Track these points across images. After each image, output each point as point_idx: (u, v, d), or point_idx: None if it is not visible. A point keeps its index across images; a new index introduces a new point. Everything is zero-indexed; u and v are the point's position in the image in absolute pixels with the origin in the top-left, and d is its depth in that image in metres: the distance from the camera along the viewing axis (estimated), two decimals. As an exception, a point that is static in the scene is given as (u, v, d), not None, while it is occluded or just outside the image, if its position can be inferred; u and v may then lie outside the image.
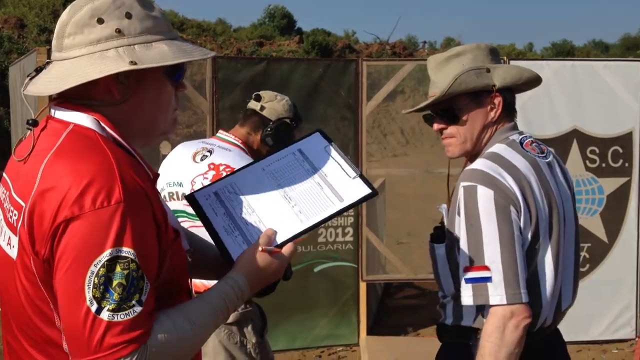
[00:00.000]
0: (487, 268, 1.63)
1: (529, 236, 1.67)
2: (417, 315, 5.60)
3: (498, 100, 1.79)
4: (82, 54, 1.22)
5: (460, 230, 1.69)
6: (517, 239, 1.64)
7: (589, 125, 4.58)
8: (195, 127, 17.14)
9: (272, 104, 2.52)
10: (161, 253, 1.20)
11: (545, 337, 1.79)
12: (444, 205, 1.86)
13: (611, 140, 4.59)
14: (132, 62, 1.19)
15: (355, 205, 1.35)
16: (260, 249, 1.32)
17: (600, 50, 27.78)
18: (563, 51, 26.20)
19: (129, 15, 1.23)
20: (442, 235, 1.82)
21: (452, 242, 1.75)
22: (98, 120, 1.22)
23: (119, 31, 1.22)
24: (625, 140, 4.60)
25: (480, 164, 1.73)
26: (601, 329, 4.72)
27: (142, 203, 1.16)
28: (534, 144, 1.82)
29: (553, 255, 1.71)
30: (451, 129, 1.83)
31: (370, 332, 4.97)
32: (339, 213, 1.35)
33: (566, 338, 1.91)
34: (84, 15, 1.22)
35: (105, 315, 1.10)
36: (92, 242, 1.11)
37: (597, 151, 4.57)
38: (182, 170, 2.43)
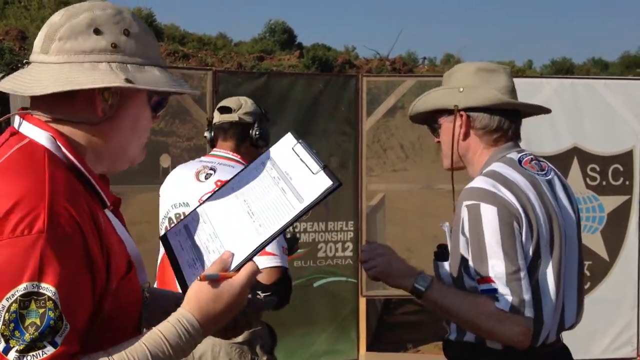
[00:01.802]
0: (492, 280, 1.65)
1: (530, 252, 1.68)
2: (417, 332, 5.58)
3: (462, 119, 1.85)
4: (71, 61, 1.16)
5: (467, 248, 1.70)
6: (521, 256, 1.65)
7: (590, 143, 4.59)
8: (195, 141, 17.17)
9: (244, 109, 2.52)
10: (98, 290, 1.09)
11: (550, 353, 1.78)
12: (447, 224, 1.86)
13: (612, 158, 4.60)
14: (128, 80, 1.15)
15: (318, 202, 1.24)
16: (198, 278, 1.17)
17: (599, 68, 27.89)
18: (562, 69, 26.31)
19: (127, 33, 1.19)
20: (446, 253, 1.83)
21: (457, 260, 1.75)
22: (55, 139, 1.14)
23: (114, 46, 1.18)
24: (626, 158, 4.61)
25: (479, 182, 1.74)
26: (602, 348, 4.70)
27: (70, 235, 1.05)
28: (534, 161, 1.83)
29: (554, 272, 1.71)
30: (440, 142, 1.94)
31: (370, 348, 4.95)
32: (299, 215, 1.24)
33: (567, 357, 1.91)
34: (81, 22, 1.17)
35: (12, 356, 1.00)
36: (7, 273, 1.01)
37: (598, 169, 4.57)
38: (186, 191, 2.42)
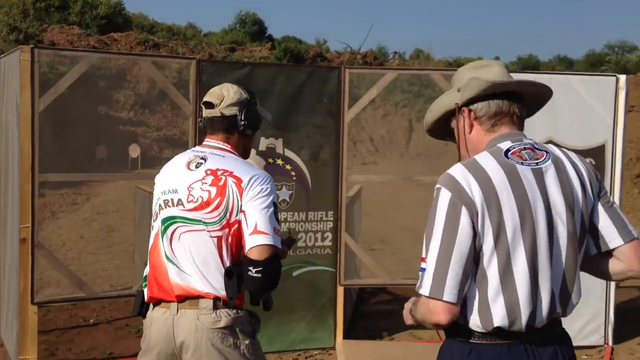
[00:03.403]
0: (425, 260, 1.78)
1: (491, 237, 1.75)
2: (391, 320, 5.65)
3: (465, 114, 1.93)
4: None
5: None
6: (459, 242, 1.74)
7: (563, 136, 4.72)
8: (165, 131, 17.05)
9: (226, 101, 2.49)
10: None
11: (546, 339, 1.83)
12: None
13: (584, 153, 4.73)
14: None
15: None
16: None
17: (564, 66, 28.39)
18: (528, 66, 26.71)
19: None
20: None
21: None
22: None
23: None
24: (598, 152, 4.75)
25: (454, 168, 1.84)
26: (571, 335, 4.83)
27: None
28: (526, 151, 1.86)
29: (527, 258, 1.77)
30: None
31: (346, 336, 5.03)
32: None
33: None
34: None
35: None
36: None
37: (571, 162, 4.70)
38: (176, 179, 2.47)
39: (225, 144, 2.53)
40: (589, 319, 4.88)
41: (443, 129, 2.05)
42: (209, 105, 2.52)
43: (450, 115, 1.99)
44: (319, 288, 4.92)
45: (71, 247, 8.24)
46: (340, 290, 4.92)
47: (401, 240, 8.81)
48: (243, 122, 2.51)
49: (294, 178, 4.83)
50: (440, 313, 1.77)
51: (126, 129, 16.28)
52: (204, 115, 2.57)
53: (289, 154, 4.84)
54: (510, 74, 2.00)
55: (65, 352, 4.85)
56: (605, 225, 1.90)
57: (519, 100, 1.93)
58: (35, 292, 4.22)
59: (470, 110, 1.93)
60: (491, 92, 1.90)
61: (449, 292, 1.75)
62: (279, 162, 4.80)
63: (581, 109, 4.81)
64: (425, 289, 1.78)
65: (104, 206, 11.01)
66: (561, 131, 4.71)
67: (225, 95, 2.51)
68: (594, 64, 25.71)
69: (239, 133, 2.53)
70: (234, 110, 2.50)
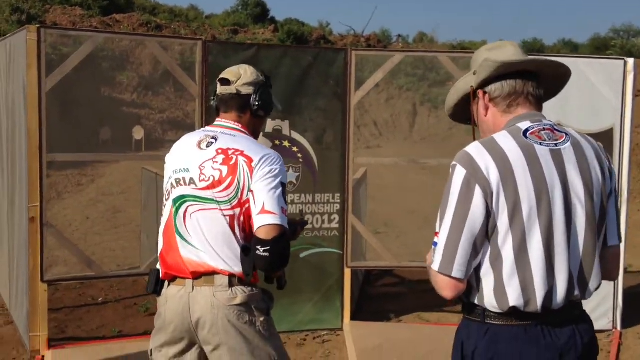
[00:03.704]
0: (438, 235, 1.82)
1: (506, 219, 1.75)
2: (398, 303, 5.70)
3: (480, 96, 1.94)
4: None
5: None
6: (471, 220, 1.76)
7: (571, 120, 4.70)
8: (168, 113, 17.03)
9: (243, 79, 2.53)
10: None
11: (564, 321, 1.83)
12: None
13: (592, 137, 4.71)
14: None
15: None
16: None
17: (569, 50, 28.24)
18: (533, 49, 26.49)
19: None
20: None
21: None
22: None
23: None
24: (606, 136, 4.74)
25: (471, 146, 1.85)
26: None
27: None
28: (545, 131, 1.85)
29: (543, 240, 1.76)
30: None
31: (353, 317, 5.05)
32: None
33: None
34: None
35: None
36: None
37: (580, 146, 4.69)
38: (188, 157, 2.48)
39: (236, 123, 2.55)
40: (597, 304, 4.88)
41: (463, 112, 2.05)
42: (225, 82, 2.55)
43: (469, 98, 1.98)
44: (326, 270, 4.94)
45: (77, 228, 8.27)
46: (347, 272, 4.94)
47: (405, 223, 8.83)
48: (257, 102, 2.53)
49: (301, 160, 4.83)
50: (445, 288, 1.82)
51: (129, 110, 16.27)
52: (218, 92, 2.58)
53: (296, 135, 4.83)
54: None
55: (75, 330, 4.90)
56: (610, 221, 1.90)
57: (534, 79, 1.92)
58: (45, 270, 4.25)
59: (485, 93, 1.93)
60: (503, 73, 1.90)
61: (458, 269, 1.78)
62: (286, 144, 4.80)
63: (589, 93, 4.79)
64: (435, 264, 1.81)
65: (109, 187, 11.04)
66: (569, 114, 4.69)
67: (242, 74, 2.54)
68: (599, 48, 25.58)
69: (252, 113, 2.55)
70: (249, 90, 2.53)
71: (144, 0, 25.91)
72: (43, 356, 4.26)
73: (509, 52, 1.93)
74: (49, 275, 4.40)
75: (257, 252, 2.31)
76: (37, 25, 4.17)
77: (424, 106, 19.87)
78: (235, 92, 2.52)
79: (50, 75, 4.20)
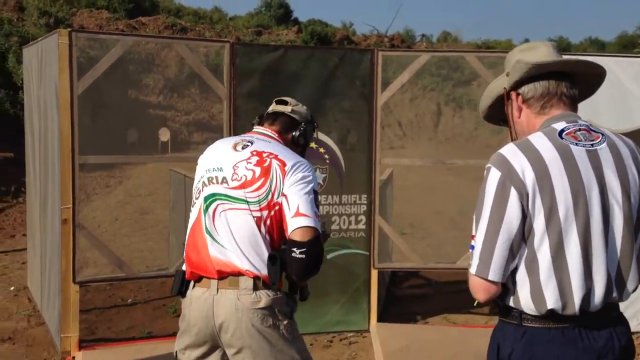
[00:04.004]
0: (474, 239, 1.82)
1: (542, 221, 1.74)
2: (425, 305, 5.68)
3: (514, 97, 1.94)
4: None
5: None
6: (507, 222, 1.75)
7: (602, 120, 4.64)
8: (194, 115, 17.16)
9: (299, 107, 2.72)
10: None
11: (602, 323, 1.82)
12: None
13: (624, 135, 4.67)
14: None
15: None
16: None
17: (596, 48, 27.85)
18: (559, 48, 26.22)
19: None
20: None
21: None
22: None
23: None
24: (637, 135, 4.68)
25: (506, 147, 1.84)
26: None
27: None
28: (581, 132, 1.84)
29: (581, 242, 1.75)
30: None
31: (379, 319, 5.05)
32: None
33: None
34: None
35: None
36: None
37: (610, 145, 4.64)
38: (222, 158, 2.53)
39: (275, 133, 2.64)
40: (626, 305, 4.79)
41: (497, 114, 2.05)
42: (283, 102, 2.72)
43: (502, 99, 1.98)
44: (353, 271, 4.95)
45: (106, 229, 8.37)
46: (374, 274, 4.95)
47: (431, 224, 8.80)
48: (302, 131, 2.68)
49: (327, 161, 4.84)
50: (480, 291, 1.82)
51: (156, 113, 16.43)
52: (270, 109, 2.73)
53: (322, 137, 4.84)
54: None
55: (105, 331, 4.96)
56: None
57: (568, 80, 1.91)
58: (77, 271, 4.31)
59: (518, 94, 1.93)
60: (536, 74, 1.89)
61: (494, 272, 1.78)
62: (313, 145, 4.81)
63: (618, 92, 4.73)
64: (472, 267, 1.82)
65: (136, 189, 11.17)
66: (599, 114, 4.64)
67: (299, 105, 2.75)
68: (626, 46, 25.18)
69: (293, 137, 2.67)
70: (299, 117, 2.70)
71: (169, 3, 26.15)
72: (74, 357, 4.33)
73: (541, 53, 1.92)
74: (80, 276, 4.46)
75: (293, 254, 2.33)
76: (69, 30, 4.23)
77: (449, 106, 19.77)
78: (289, 111, 2.68)
79: (82, 78, 4.27)
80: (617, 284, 1.81)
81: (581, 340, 1.79)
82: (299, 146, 2.68)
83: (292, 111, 2.69)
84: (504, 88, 1.95)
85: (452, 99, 19.68)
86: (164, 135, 14.17)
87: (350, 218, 4.89)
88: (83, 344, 4.45)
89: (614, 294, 1.81)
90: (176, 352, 2.56)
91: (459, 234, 8.32)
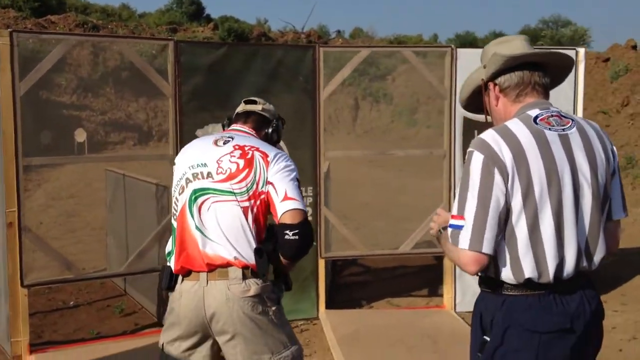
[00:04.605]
0: (463, 218, 1.96)
1: (519, 195, 1.93)
2: (367, 291, 5.89)
3: (491, 88, 2.12)
4: None
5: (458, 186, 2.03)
6: (495, 199, 1.92)
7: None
8: (110, 115, 16.73)
9: (267, 106, 2.84)
10: None
11: (572, 287, 2.01)
12: None
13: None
14: None
15: None
16: None
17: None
18: (466, 42, 27.29)
19: None
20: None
21: None
22: None
23: None
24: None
25: (486, 133, 2.01)
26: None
27: None
28: (553, 117, 2.03)
29: (554, 217, 1.94)
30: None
31: (327, 307, 5.21)
32: None
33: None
34: None
35: None
36: None
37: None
38: (205, 154, 2.61)
39: (251, 130, 2.76)
40: None
41: (476, 104, 2.22)
42: (252, 102, 2.82)
43: (481, 90, 2.16)
44: (301, 261, 5.03)
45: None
46: (321, 263, 5.10)
47: (361, 216, 9.04)
48: (274, 127, 2.79)
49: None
50: (472, 264, 1.95)
51: (70, 113, 15.91)
52: (240, 109, 2.82)
53: (266, 131, 4.93)
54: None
55: (51, 334, 4.87)
56: (616, 197, 2.10)
57: (541, 70, 2.10)
58: (24, 275, 4.23)
59: (495, 84, 2.11)
60: (511, 65, 2.07)
61: (487, 245, 1.93)
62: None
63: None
64: (464, 243, 1.94)
65: (57, 192, 10.84)
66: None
67: (267, 104, 2.85)
68: (530, 39, 26.50)
69: (266, 134, 2.77)
70: (269, 115, 2.81)
71: (75, 0, 25.30)
72: (26, 361, 4.24)
73: (516, 46, 2.11)
74: (28, 279, 4.37)
75: (286, 236, 2.44)
76: (10, 30, 4.14)
77: (366, 100, 20.20)
78: (260, 109, 2.79)
79: (24, 79, 4.19)
80: (586, 254, 2.02)
81: (556, 305, 1.99)
82: (272, 142, 2.78)
83: (263, 109, 2.80)
84: (482, 79, 2.13)
85: (368, 93, 20.11)
86: (80, 136, 13.75)
87: (297, 210, 4.99)
88: (33, 348, 4.36)
89: (584, 263, 2.02)
90: (162, 344, 2.61)
91: (388, 223, 8.62)
